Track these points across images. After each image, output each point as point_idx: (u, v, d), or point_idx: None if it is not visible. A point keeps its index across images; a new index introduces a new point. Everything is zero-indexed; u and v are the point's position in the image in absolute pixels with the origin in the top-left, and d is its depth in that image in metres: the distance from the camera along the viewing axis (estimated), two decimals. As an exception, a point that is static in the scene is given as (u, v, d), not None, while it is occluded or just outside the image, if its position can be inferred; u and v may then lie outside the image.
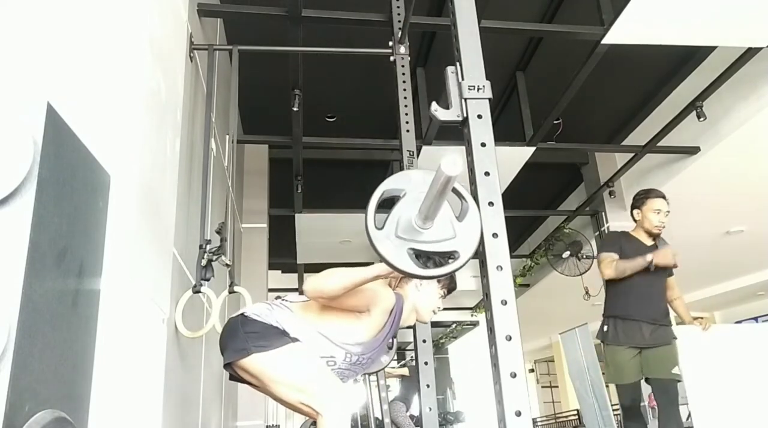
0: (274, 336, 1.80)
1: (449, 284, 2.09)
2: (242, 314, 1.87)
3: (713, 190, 5.36)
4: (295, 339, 1.82)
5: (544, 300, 8.81)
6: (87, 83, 1.43)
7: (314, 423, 1.86)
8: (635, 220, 3.45)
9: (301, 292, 1.96)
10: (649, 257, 3.18)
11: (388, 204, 1.26)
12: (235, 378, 1.91)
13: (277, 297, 2.00)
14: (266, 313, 1.86)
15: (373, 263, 1.75)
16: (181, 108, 2.48)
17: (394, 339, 2.10)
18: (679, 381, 3.15)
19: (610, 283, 3.35)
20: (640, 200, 3.42)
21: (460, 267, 1.23)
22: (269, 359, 1.77)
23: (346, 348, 1.89)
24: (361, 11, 3.34)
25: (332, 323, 1.88)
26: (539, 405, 14.37)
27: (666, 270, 3.30)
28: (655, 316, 3.21)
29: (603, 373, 3.49)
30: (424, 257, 1.24)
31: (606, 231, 5.98)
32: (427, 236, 1.23)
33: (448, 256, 1.25)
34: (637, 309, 3.22)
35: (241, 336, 1.80)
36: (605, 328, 3.34)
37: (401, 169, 2.75)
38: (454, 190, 1.24)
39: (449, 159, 1.06)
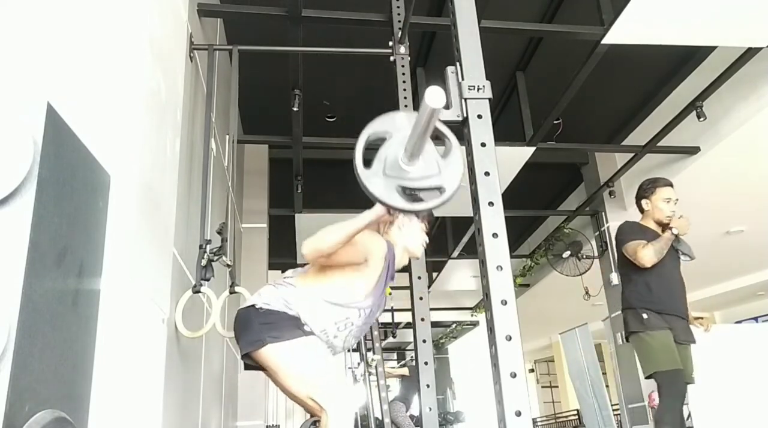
0: (287, 326, 1.85)
1: (428, 215, 2.20)
2: (253, 305, 1.90)
3: (713, 190, 5.36)
4: (309, 333, 1.87)
5: (544, 300, 8.81)
6: (87, 83, 1.43)
7: (314, 422, 1.88)
8: (643, 210, 3.28)
9: (300, 265, 2.04)
10: (674, 229, 3.02)
11: (375, 147, 1.30)
12: (250, 367, 1.95)
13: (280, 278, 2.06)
14: (275, 300, 1.89)
15: None
16: (181, 108, 2.48)
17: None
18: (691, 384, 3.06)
19: (635, 273, 3.11)
20: (648, 189, 3.25)
21: (446, 200, 1.29)
22: (282, 350, 1.82)
23: (357, 305, 1.96)
24: (361, 11, 3.34)
25: (337, 286, 1.94)
26: (539, 405, 14.37)
27: (679, 263, 3.17)
28: (684, 310, 3.07)
29: (639, 366, 3.28)
30: (410, 194, 1.29)
31: (606, 231, 5.98)
32: (414, 173, 1.27)
33: (435, 192, 1.30)
34: (671, 302, 3.04)
35: (256, 328, 1.85)
36: (645, 316, 3.03)
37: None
38: (438, 131, 1.27)
39: (432, 91, 1.08)
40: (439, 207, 1.30)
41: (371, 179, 1.25)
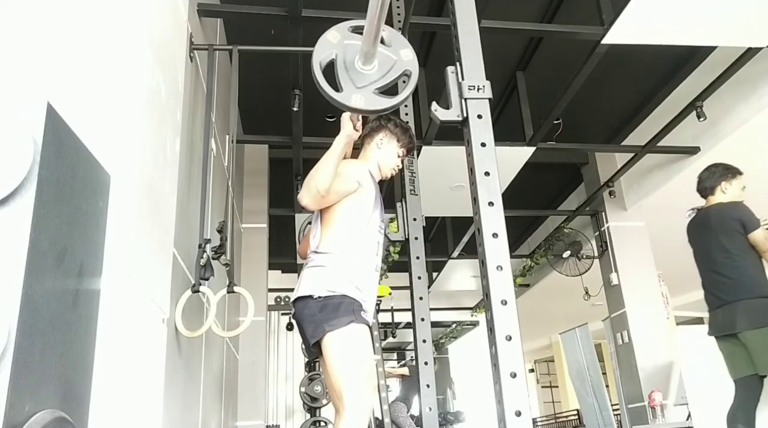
0: (343, 312, 1.94)
1: (408, 144, 2.30)
2: (311, 295, 1.98)
3: (713, 190, 5.35)
4: (361, 321, 1.95)
5: (544, 300, 8.80)
6: (87, 83, 1.43)
7: (314, 422, 1.90)
8: (714, 193, 3.23)
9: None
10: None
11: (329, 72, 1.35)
12: (314, 354, 2.04)
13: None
14: (331, 283, 1.98)
15: None
16: (181, 108, 2.48)
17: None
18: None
19: (751, 258, 2.96)
20: (728, 174, 3.24)
21: (416, 82, 1.35)
22: (334, 340, 1.92)
23: (376, 227, 2.14)
24: (361, 11, 3.33)
25: (350, 225, 2.07)
26: (539, 405, 14.36)
27: None
28: None
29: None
30: (385, 91, 1.36)
31: (606, 231, 5.98)
32: (377, 73, 1.32)
33: (404, 79, 1.37)
34: None
35: (318, 317, 1.95)
36: None
37: (401, 169, 2.75)
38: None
39: None
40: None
41: (351, 98, 1.30)
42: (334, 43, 1.34)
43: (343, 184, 2.05)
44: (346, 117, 2.08)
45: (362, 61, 1.30)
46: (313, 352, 2.03)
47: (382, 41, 1.35)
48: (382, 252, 2.22)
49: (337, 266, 2.02)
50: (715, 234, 3.10)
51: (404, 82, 1.40)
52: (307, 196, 2.00)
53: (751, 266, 2.97)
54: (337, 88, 1.30)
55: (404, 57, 1.34)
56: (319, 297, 1.97)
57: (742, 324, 2.91)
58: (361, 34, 1.33)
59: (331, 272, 2.01)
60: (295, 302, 2.05)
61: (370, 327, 2.05)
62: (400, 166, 2.33)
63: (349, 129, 2.06)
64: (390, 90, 1.41)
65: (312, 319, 1.96)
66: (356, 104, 1.29)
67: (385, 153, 2.27)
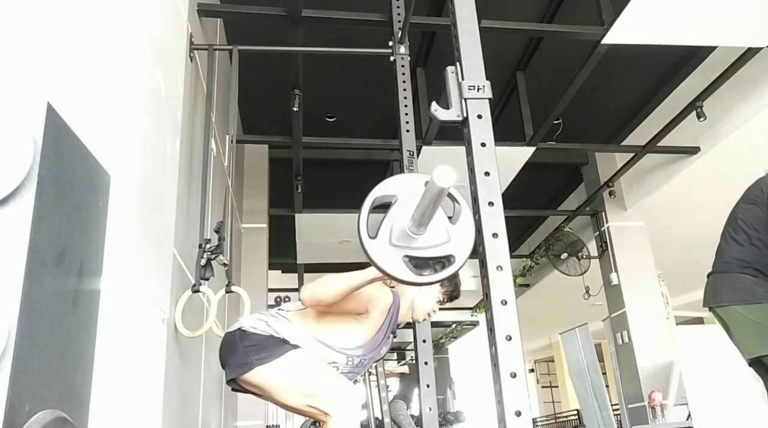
0: (274, 345, 1.81)
1: (452, 291, 2.07)
2: (240, 328, 1.87)
3: (713, 190, 5.35)
4: (295, 346, 1.83)
5: (544, 300, 8.80)
6: (87, 83, 1.43)
7: (314, 422, 1.87)
8: None
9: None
10: None
11: (381, 208, 1.25)
12: (237, 389, 1.91)
13: (274, 306, 2.01)
14: (263, 326, 1.86)
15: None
16: (181, 108, 2.48)
17: (393, 334, 2.10)
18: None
19: (756, 236, 2.68)
20: None
21: (455, 271, 1.23)
22: (273, 369, 1.79)
23: (347, 353, 1.91)
24: (361, 11, 3.34)
25: (331, 329, 1.89)
26: (539, 405, 14.36)
27: None
28: None
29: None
30: (420, 262, 1.23)
31: (606, 231, 5.98)
32: (421, 242, 1.22)
33: (444, 261, 1.24)
34: None
35: (241, 351, 1.81)
36: None
37: (401, 169, 2.75)
38: (448, 194, 1.23)
39: (442, 170, 1.06)
40: (447, 278, 1.23)
41: (377, 251, 1.19)
42: (404, 188, 1.24)
43: (350, 304, 1.86)
44: None
45: (414, 224, 1.20)
46: (234, 388, 1.89)
47: (453, 216, 1.25)
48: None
49: (280, 327, 1.87)
50: (742, 199, 2.84)
51: (441, 265, 1.27)
52: (308, 294, 1.83)
53: (746, 242, 2.70)
54: (372, 229, 1.20)
55: (457, 241, 1.23)
56: (246, 330, 1.85)
57: (708, 300, 2.77)
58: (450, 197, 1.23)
59: (271, 323, 1.87)
60: (225, 333, 1.93)
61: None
62: (436, 312, 2.09)
63: None
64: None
65: (234, 349, 1.83)
66: (375, 258, 1.18)
67: (423, 294, 2.02)
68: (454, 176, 1.06)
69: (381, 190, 1.25)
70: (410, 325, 2.46)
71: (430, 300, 2.04)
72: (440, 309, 2.12)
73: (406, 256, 1.21)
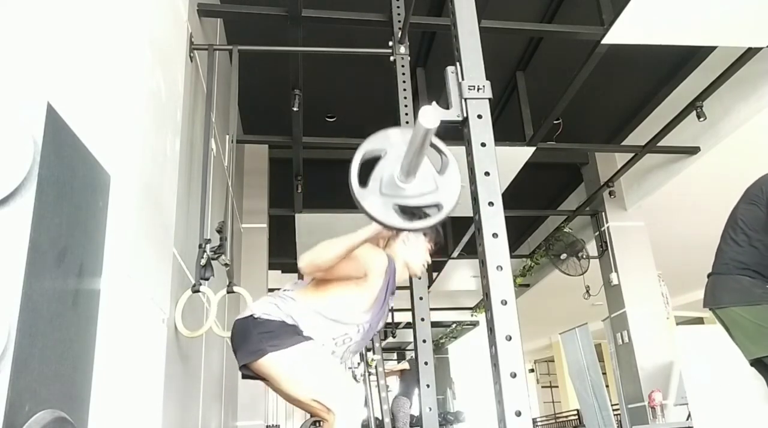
0: (286, 334, 1.84)
1: (436, 237, 2.16)
2: (251, 315, 1.88)
3: (713, 190, 5.35)
4: (308, 338, 1.85)
5: (544, 300, 8.80)
6: (87, 83, 1.43)
7: (314, 422, 1.88)
8: None
9: (300, 277, 2.00)
10: None
11: (370, 164, 1.29)
12: (248, 376, 1.94)
13: (276, 289, 2.03)
14: (275, 310, 1.88)
15: None
16: (181, 108, 2.48)
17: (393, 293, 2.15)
18: None
19: (755, 237, 2.65)
20: None
21: (443, 218, 1.28)
22: (284, 358, 1.81)
23: (356, 322, 1.95)
24: (361, 11, 3.34)
25: (336, 302, 1.93)
26: (539, 405, 14.36)
27: None
28: None
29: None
30: (408, 212, 1.29)
31: (606, 231, 5.98)
32: (410, 191, 1.27)
33: (432, 209, 1.30)
34: None
35: (255, 338, 1.83)
36: None
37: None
38: (433, 146, 1.27)
39: (425, 111, 1.09)
40: (435, 225, 1.29)
41: (367, 198, 1.24)
42: (390, 142, 1.28)
43: (347, 268, 1.90)
44: None
45: (402, 173, 1.24)
46: (246, 374, 1.91)
47: (441, 168, 1.30)
48: (354, 349, 2.01)
49: (288, 308, 1.89)
50: (742, 199, 2.80)
51: (430, 213, 1.31)
52: (306, 261, 1.86)
53: (746, 243, 2.66)
54: (365, 181, 1.25)
55: (444, 190, 1.27)
56: (258, 317, 1.86)
57: (707, 301, 2.75)
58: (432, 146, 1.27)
59: (279, 306, 1.89)
60: (236, 321, 1.94)
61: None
62: (430, 261, 2.17)
63: (379, 225, 1.90)
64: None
65: (247, 337, 1.85)
66: (368, 207, 1.23)
67: (412, 249, 2.11)
68: (437, 117, 1.09)
69: (370, 145, 1.29)
70: (410, 326, 2.47)
71: (420, 254, 2.13)
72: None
73: (396, 204, 1.25)
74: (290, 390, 1.85)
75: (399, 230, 1.32)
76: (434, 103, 1.11)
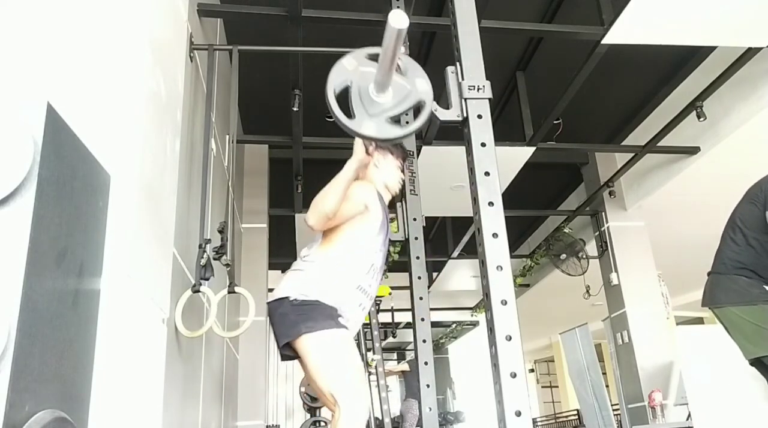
0: (321, 316, 1.93)
1: (402, 152, 2.32)
2: (287, 297, 1.97)
3: (713, 190, 5.35)
4: (341, 326, 1.94)
5: (544, 300, 8.81)
6: (87, 83, 1.43)
7: (314, 423, 1.91)
8: None
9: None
10: None
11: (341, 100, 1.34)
12: (288, 357, 2.02)
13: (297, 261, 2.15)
14: (309, 289, 1.97)
15: None
16: (181, 108, 2.48)
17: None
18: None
19: (753, 237, 2.64)
20: None
21: (430, 111, 1.34)
22: (315, 340, 1.91)
23: (375, 248, 2.11)
24: (361, 11, 3.34)
25: (352, 244, 2.07)
26: (539, 405, 14.36)
27: None
28: None
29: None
30: (397, 120, 1.35)
31: (606, 231, 5.98)
32: (392, 101, 1.32)
33: (417, 107, 1.37)
34: None
35: (292, 318, 1.93)
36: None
37: (401, 168, 2.75)
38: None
39: (395, 13, 1.12)
40: (424, 124, 1.35)
41: (362, 125, 1.29)
42: (349, 70, 1.34)
43: (350, 207, 2.05)
44: (358, 141, 2.06)
45: (377, 89, 1.29)
46: (285, 353, 2.00)
47: (398, 69, 1.35)
48: (379, 276, 2.18)
49: (315, 275, 2.03)
50: (742, 199, 2.80)
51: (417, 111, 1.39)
52: (313, 217, 2.00)
53: (743, 242, 2.66)
54: (350, 114, 1.30)
55: (419, 87, 1.34)
56: (295, 300, 1.97)
57: (705, 300, 2.77)
58: (377, 61, 1.33)
59: (309, 278, 2.02)
60: (269, 303, 2.05)
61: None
62: (404, 177, 2.34)
63: (361, 153, 2.05)
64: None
65: (285, 319, 1.96)
66: (367, 132, 1.28)
67: (384, 170, 2.27)
68: (406, 17, 1.12)
69: (333, 81, 1.33)
70: (410, 326, 2.48)
71: (393, 172, 2.29)
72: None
73: (388, 117, 1.31)
74: (315, 376, 1.93)
75: (400, 139, 1.39)
76: (398, 11, 1.13)
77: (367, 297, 2.11)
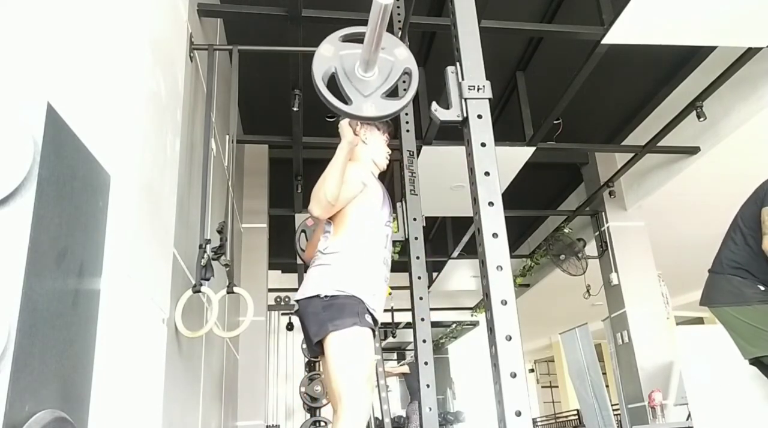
0: (347, 312, 1.96)
1: (388, 127, 2.36)
2: (318, 295, 2.00)
3: (713, 190, 5.36)
4: (364, 324, 1.97)
5: (544, 300, 8.80)
6: (87, 83, 1.43)
7: (314, 423, 1.92)
8: None
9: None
10: None
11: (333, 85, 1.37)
12: (316, 353, 2.07)
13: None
14: (341, 284, 2.00)
15: None
16: (181, 108, 2.48)
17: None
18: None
19: (753, 236, 2.64)
20: None
21: (417, 78, 1.38)
22: (337, 340, 1.95)
23: (383, 220, 2.18)
24: (361, 11, 3.34)
25: (363, 221, 2.12)
26: (539, 405, 14.36)
27: None
28: None
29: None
30: (390, 93, 1.38)
31: (606, 231, 5.98)
32: (380, 77, 1.34)
33: (405, 78, 1.40)
34: None
35: (321, 317, 1.97)
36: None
37: (401, 169, 2.75)
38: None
39: None
40: (415, 91, 1.39)
41: (362, 107, 1.31)
42: (329, 56, 1.37)
43: (348, 189, 2.09)
44: (345, 124, 2.10)
45: (363, 68, 1.30)
46: (316, 350, 2.05)
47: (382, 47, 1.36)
48: (390, 244, 2.26)
49: (343, 264, 2.05)
50: (747, 199, 2.81)
51: (405, 81, 1.41)
52: (317, 206, 2.04)
53: (741, 241, 2.68)
54: (344, 100, 1.30)
55: (400, 56, 1.36)
56: (326, 296, 1.99)
57: (702, 299, 2.80)
58: (353, 42, 1.34)
59: (337, 270, 2.04)
60: (299, 300, 2.07)
61: (374, 331, 2.06)
62: (391, 152, 2.38)
63: (349, 136, 2.09)
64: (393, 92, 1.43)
65: (316, 318, 1.99)
66: (368, 113, 1.30)
67: (372, 146, 2.31)
68: None
69: (318, 70, 1.37)
70: (410, 326, 2.49)
71: (381, 147, 2.32)
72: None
73: (383, 94, 1.33)
74: (332, 374, 1.95)
75: (401, 111, 1.41)
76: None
77: (388, 270, 2.18)
